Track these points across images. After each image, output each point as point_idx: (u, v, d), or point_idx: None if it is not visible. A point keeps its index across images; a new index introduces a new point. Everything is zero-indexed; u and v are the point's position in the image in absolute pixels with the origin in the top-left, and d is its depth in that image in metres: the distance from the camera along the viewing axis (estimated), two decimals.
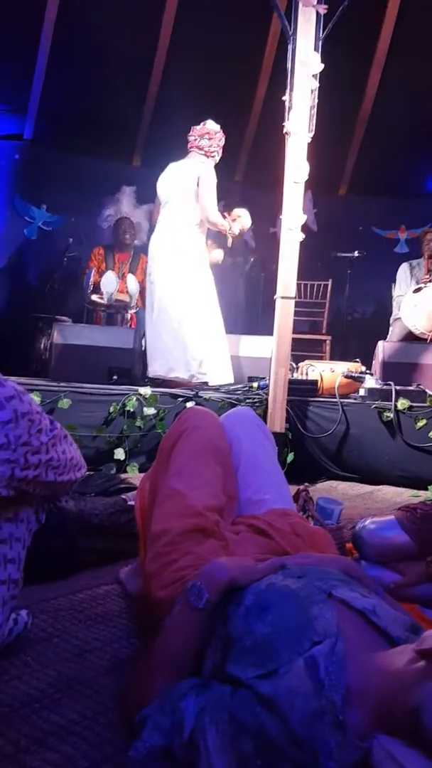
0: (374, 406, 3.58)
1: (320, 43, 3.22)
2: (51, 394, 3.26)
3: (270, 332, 3.45)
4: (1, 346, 5.13)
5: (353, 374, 3.83)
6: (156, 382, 3.98)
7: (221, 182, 4.14)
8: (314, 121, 3.25)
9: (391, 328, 5.33)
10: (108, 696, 1.18)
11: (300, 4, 3.17)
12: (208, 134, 4.13)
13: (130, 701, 1.06)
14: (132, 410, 3.34)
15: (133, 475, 3.19)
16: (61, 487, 1.04)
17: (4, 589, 0.97)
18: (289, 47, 3.24)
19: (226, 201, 4.22)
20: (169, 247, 4.06)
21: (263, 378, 3.77)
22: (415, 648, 0.88)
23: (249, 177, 6.89)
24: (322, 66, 3.20)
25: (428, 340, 4.46)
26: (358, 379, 3.81)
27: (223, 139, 4.21)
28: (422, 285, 4.75)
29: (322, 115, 3.27)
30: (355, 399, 3.77)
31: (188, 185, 4.05)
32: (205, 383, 3.91)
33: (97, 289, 5.29)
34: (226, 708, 0.90)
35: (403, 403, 3.52)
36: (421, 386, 3.72)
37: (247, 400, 3.57)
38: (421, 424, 3.48)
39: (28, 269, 6.64)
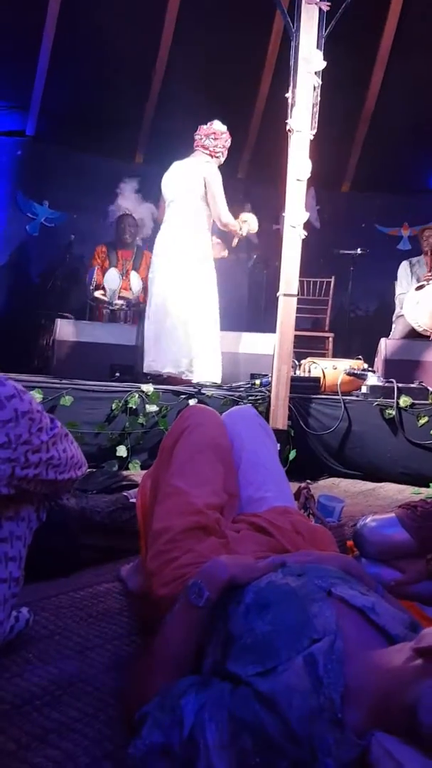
0: (376, 403, 3.58)
1: (323, 41, 3.22)
2: (53, 391, 3.26)
3: (272, 329, 3.45)
4: (3, 343, 5.14)
5: (355, 371, 3.83)
6: (158, 379, 3.99)
7: (224, 180, 4.14)
8: (317, 119, 3.25)
9: (393, 326, 5.33)
10: (109, 693, 1.18)
11: (303, 1, 3.16)
12: (214, 134, 4.14)
13: (131, 699, 1.06)
14: (134, 407, 3.34)
15: (135, 472, 3.20)
16: (62, 486, 1.05)
17: (5, 587, 0.97)
18: (292, 44, 3.24)
19: (229, 198, 4.21)
20: (174, 245, 4.07)
21: (266, 375, 3.78)
22: (413, 646, 0.89)
23: (252, 174, 6.88)
24: (325, 63, 3.19)
25: (431, 338, 4.45)
26: (361, 377, 3.81)
27: (229, 140, 4.21)
28: (424, 282, 4.75)
29: (325, 112, 3.27)
30: (357, 396, 3.76)
31: (193, 185, 4.05)
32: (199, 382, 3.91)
33: (99, 286, 5.29)
34: (225, 705, 0.90)
35: (405, 401, 3.52)
36: (424, 383, 3.72)
37: (250, 397, 3.57)
38: (423, 421, 3.48)
39: (30, 266, 6.64)
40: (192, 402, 3.38)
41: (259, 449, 1.59)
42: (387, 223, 7.24)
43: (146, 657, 1.10)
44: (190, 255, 4.03)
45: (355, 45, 5.72)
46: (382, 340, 4.16)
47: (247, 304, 6.53)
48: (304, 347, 5.42)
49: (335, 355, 5.62)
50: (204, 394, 3.52)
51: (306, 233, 3.30)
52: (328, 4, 3.17)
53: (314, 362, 4.13)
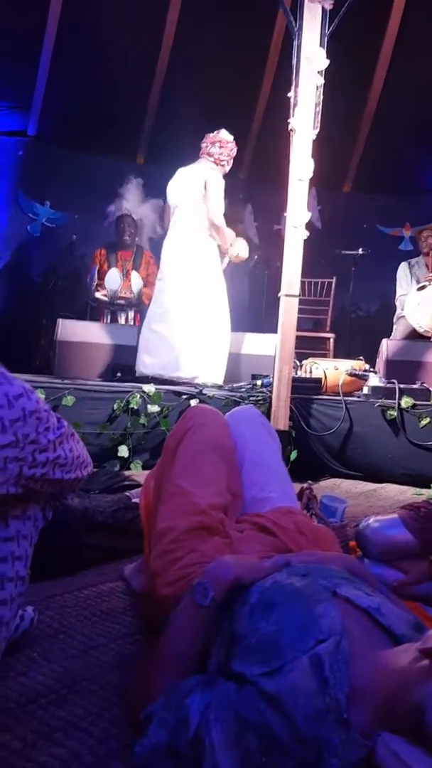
0: (378, 404, 3.58)
1: (326, 40, 3.22)
2: (55, 392, 3.26)
3: (273, 330, 3.45)
4: (4, 343, 5.14)
5: (357, 372, 3.83)
6: (159, 379, 3.99)
7: (225, 180, 4.15)
8: (319, 118, 3.25)
9: (394, 327, 5.33)
10: (113, 692, 1.19)
11: (306, 0, 3.16)
12: (220, 142, 4.18)
13: (136, 698, 1.07)
14: (136, 408, 3.34)
15: (137, 472, 3.20)
16: (68, 485, 1.05)
17: (11, 586, 0.97)
18: (295, 43, 3.23)
19: (230, 199, 4.22)
20: (180, 250, 4.12)
21: (267, 376, 3.78)
22: (419, 647, 0.89)
23: (253, 174, 6.88)
24: (327, 62, 3.19)
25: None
26: (362, 377, 3.82)
27: (235, 149, 4.26)
28: (426, 283, 4.75)
29: (327, 112, 3.27)
30: (358, 397, 3.77)
31: (195, 189, 4.10)
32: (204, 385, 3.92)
33: (101, 286, 5.30)
34: (231, 705, 0.90)
35: (406, 402, 3.52)
36: (425, 384, 3.73)
37: (251, 398, 3.57)
38: (424, 422, 3.48)
39: (31, 266, 6.64)
40: (193, 402, 3.38)
41: (262, 449, 1.59)
42: (388, 223, 7.24)
43: (151, 656, 1.10)
44: (196, 259, 4.08)
45: (357, 44, 5.71)
46: (384, 341, 4.16)
47: (248, 305, 6.53)
48: (305, 348, 5.42)
49: (336, 356, 5.62)
50: (205, 394, 3.52)
51: (308, 233, 3.29)
52: (332, 2, 3.16)
53: (315, 363, 4.13)
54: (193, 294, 4.03)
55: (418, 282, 5.13)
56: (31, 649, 1.32)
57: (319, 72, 3.21)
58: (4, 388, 0.90)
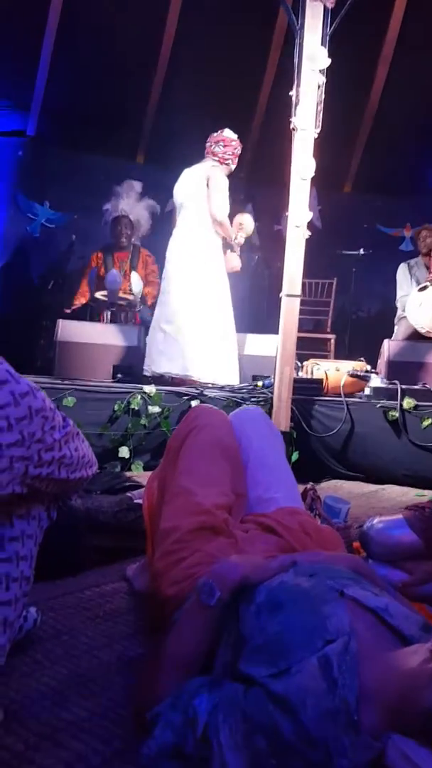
0: (379, 405, 3.57)
1: (327, 38, 3.21)
2: (55, 392, 3.25)
3: (274, 330, 3.44)
4: (4, 344, 5.10)
5: (358, 373, 3.82)
6: (160, 380, 3.98)
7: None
8: (321, 117, 3.24)
9: (395, 327, 5.32)
10: (117, 692, 1.18)
11: None
12: (223, 141, 4.21)
13: (141, 698, 1.06)
14: (137, 408, 3.33)
15: (138, 473, 3.19)
16: (73, 485, 1.04)
17: (16, 587, 0.96)
18: (296, 42, 3.22)
19: (231, 198, 4.22)
20: (184, 250, 4.15)
21: (268, 376, 3.76)
22: (429, 647, 0.88)
23: (254, 174, 6.87)
24: (329, 61, 3.18)
25: None
26: (364, 378, 3.80)
27: (240, 148, 4.29)
28: (427, 284, 4.74)
29: (327, 111, 3.26)
30: (360, 398, 3.76)
31: (199, 188, 4.13)
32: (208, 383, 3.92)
33: (100, 286, 5.28)
34: (238, 706, 0.90)
35: (408, 403, 3.51)
36: (427, 385, 3.72)
37: (252, 399, 3.56)
38: (426, 423, 3.47)
39: (31, 267, 6.62)
40: (194, 403, 3.37)
41: (266, 449, 1.58)
42: (389, 223, 7.23)
43: (156, 657, 1.09)
44: (199, 258, 4.10)
45: (359, 43, 5.69)
46: (385, 342, 4.15)
47: (249, 305, 6.51)
48: (306, 349, 5.41)
49: (337, 357, 5.60)
50: (206, 395, 3.50)
51: (310, 233, 3.29)
52: (333, 1, 3.15)
53: (317, 364, 4.12)
54: (198, 293, 4.05)
55: (418, 283, 5.13)
56: (35, 650, 1.31)
57: (321, 71, 3.21)
58: (10, 386, 0.89)
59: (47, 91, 6.36)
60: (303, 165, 3.22)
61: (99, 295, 5.27)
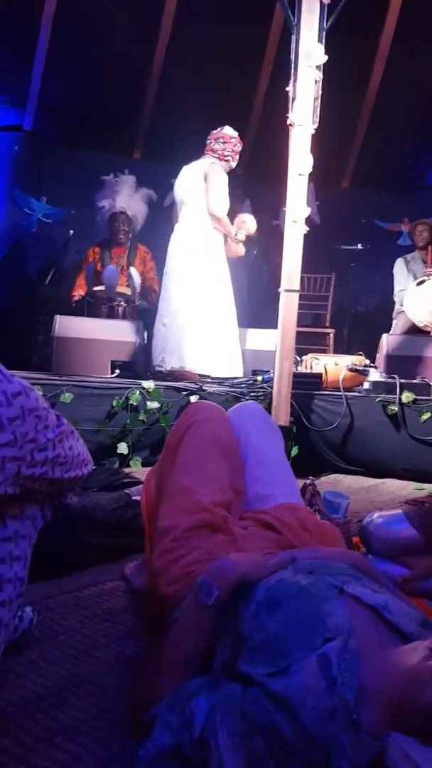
0: (378, 399, 3.56)
1: (324, 34, 3.19)
2: (53, 388, 3.24)
3: (273, 325, 3.43)
4: (2, 340, 5.11)
5: (357, 367, 3.81)
6: (159, 375, 3.97)
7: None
8: (318, 112, 3.22)
9: (394, 322, 5.32)
10: (115, 693, 1.16)
11: None
12: (223, 138, 4.25)
13: (139, 700, 1.04)
14: (135, 404, 3.32)
15: (137, 469, 3.18)
16: (68, 484, 1.03)
17: (10, 588, 0.95)
18: (293, 38, 3.20)
19: (229, 194, 4.21)
20: (185, 246, 4.19)
21: (267, 371, 3.76)
22: (429, 645, 0.87)
23: (251, 169, 6.84)
24: (326, 57, 3.16)
25: (431, 333, 4.44)
26: (363, 373, 3.80)
27: (239, 145, 4.32)
28: (425, 278, 4.73)
29: (325, 107, 3.24)
30: (359, 392, 3.75)
31: (198, 185, 4.16)
32: (208, 376, 3.92)
33: (98, 282, 5.26)
34: (237, 706, 0.88)
35: (407, 396, 3.50)
36: (426, 379, 3.71)
37: (252, 394, 3.55)
38: (425, 417, 3.47)
39: (28, 262, 6.60)
40: (193, 398, 3.36)
41: (265, 446, 1.57)
42: (387, 218, 7.22)
43: (154, 657, 1.08)
44: (201, 254, 4.14)
45: (356, 39, 5.66)
46: (384, 336, 4.14)
47: (248, 300, 6.49)
48: (305, 343, 5.40)
49: (336, 351, 5.61)
50: (205, 390, 3.49)
51: (308, 228, 3.27)
52: None
53: (316, 358, 4.11)
54: (200, 288, 4.09)
55: (415, 277, 5.13)
56: (31, 650, 1.30)
57: (317, 66, 3.19)
58: (2, 385, 0.88)
59: (43, 87, 6.33)
60: (300, 160, 3.21)
61: (97, 289, 5.25)
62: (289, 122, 3.24)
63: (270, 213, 6.59)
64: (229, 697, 0.90)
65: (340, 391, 3.61)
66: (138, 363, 4.04)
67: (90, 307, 5.42)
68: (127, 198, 5.85)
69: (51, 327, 4.01)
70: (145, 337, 4.24)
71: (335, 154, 6.51)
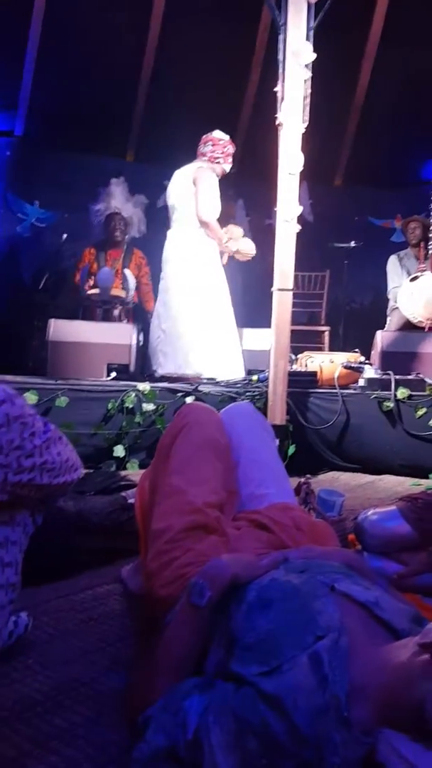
0: (374, 396, 3.56)
1: (311, 33, 3.19)
2: (48, 392, 3.23)
3: (267, 325, 3.43)
4: None
5: (353, 365, 3.82)
6: (154, 377, 3.97)
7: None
8: (308, 111, 3.22)
9: (388, 318, 5.32)
10: (111, 697, 1.17)
11: None
12: (212, 141, 4.24)
13: (134, 702, 1.05)
14: (131, 406, 3.32)
15: (134, 471, 3.18)
16: (58, 489, 1.03)
17: (2, 594, 0.96)
18: (280, 38, 3.20)
19: (221, 194, 4.21)
20: (180, 250, 4.18)
21: (262, 371, 3.76)
22: (418, 641, 0.88)
23: (243, 169, 6.84)
24: (315, 55, 3.17)
25: (426, 329, 4.44)
26: (358, 370, 3.80)
27: (230, 147, 4.30)
28: (419, 274, 4.74)
29: (315, 106, 3.24)
30: (354, 389, 3.75)
31: (188, 190, 4.15)
32: (210, 378, 3.93)
33: (91, 284, 5.26)
34: (229, 706, 0.89)
35: (402, 393, 3.50)
36: (421, 375, 3.71)
37: (247, 393, 3.55)
38: (421, 412, 3.47)
39: (21, 266, 6.59)
40: (189, 400, 3.36)
41: (257, 446, 1.58)
42: (380, 215, 7.23)
43: (148, 659, 1.09)
44: (195, 258, 4.13)
45: (344, 38, 5.68)
46: (378, 333, 4.14)
47: (242, 300, 6.47)
48: (300, 341, 5.41)
49: (332, 349, 5.61)
50: (201, 391, 3.50)
51: (300, 227, 3.27)
52: None
53: (311, 356, 4.12)
54: (196, 291, 4.07)
55: (408, 273, 5.14)
56: (26, 655, 1.30)
57: (306, 66, 3.19)
58: None
59: (34, 91, 6.32)
60: (290, 160, 3.21)
61: (91, 291, 5.24)
62: (277, 122, 3.24)
63: (263, 212, 6.59)
64: (221, 697, 0.91)
65: (335, 389, 3.61)
66: (133, 365, 4.04)
67: (85, 311, 5.42)
68: (122, 200, 5.87)
69: (45, 331, 4.01)
70: (140, 340, 4.24)
71: (327, 152, 6.51)
